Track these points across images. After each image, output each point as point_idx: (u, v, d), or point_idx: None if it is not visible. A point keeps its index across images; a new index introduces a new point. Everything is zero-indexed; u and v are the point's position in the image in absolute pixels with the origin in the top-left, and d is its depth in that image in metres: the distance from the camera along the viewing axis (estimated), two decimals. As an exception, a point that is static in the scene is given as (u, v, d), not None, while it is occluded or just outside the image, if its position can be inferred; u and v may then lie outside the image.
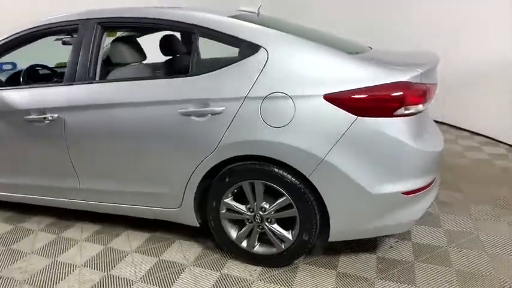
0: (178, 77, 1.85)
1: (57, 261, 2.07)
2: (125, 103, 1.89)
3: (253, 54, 1.72)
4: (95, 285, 1.84)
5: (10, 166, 2.31)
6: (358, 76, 1.61)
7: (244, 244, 1.93)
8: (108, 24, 2.04)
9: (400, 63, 1.73)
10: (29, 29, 2.16)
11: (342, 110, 1.58)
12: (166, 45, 2.57)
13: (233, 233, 1.93)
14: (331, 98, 1.59)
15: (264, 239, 1.91)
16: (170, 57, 2.70)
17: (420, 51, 2.19)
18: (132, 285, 1.83)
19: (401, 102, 1.56)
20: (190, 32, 1.88)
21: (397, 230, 1.83)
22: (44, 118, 2.04)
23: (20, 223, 2.51)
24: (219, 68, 1.77)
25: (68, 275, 1.93)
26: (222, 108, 1.72)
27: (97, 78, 2.01)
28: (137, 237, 2.26)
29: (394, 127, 1.57)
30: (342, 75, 1.63)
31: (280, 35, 1.76)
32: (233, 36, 1.77)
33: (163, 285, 1.83)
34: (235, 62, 1.75)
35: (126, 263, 2.02)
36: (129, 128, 1.90)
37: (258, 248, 1.91)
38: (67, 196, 2.24)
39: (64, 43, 2.68)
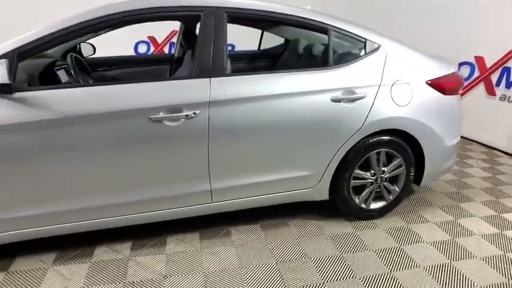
0: (325, 69, 2.09)
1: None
2: (280, 94, 1.96)
3: (376, 51, 2.20)
4: None
5: (124, 179, 1.83)
6: (437, 68, 2.37)
7: (363, 205, 2.38)
8: (238, 15, 1.98)
9: (442, 60, 2.59)
10: (133, 10, 1.78)
11: (436, 91, 2.31)
12: None
13: (355, 198, 2.35)
14: (430, 83, 2.29)
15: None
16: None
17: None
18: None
19: (460, 84, 2.45)
20: (325, 31, 2.13)
21: (448, 171, 2.74)
22: (187, 116, 1.79)
23: (90, 258, 1.95)
24: (352, 61, 2.15)
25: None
26: (364, 94, 2.12)
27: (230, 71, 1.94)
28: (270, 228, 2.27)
29: (457, 101, 2.44)
30: (429, 67, 2.35)
31: (388, 38, 2.30)
32: (363, 37, 2.18)
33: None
34: (365, 56, 2.18)
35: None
36: (283, 118, 1.98)
37: (372, 205, 2.41)
38: (193, 203, 1.99)
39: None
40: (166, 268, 1.90)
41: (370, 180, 2.34)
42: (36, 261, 1.92)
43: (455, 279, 1.89)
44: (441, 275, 1.92)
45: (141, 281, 1.81)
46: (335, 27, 2.14)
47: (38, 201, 1.74)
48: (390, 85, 2.18)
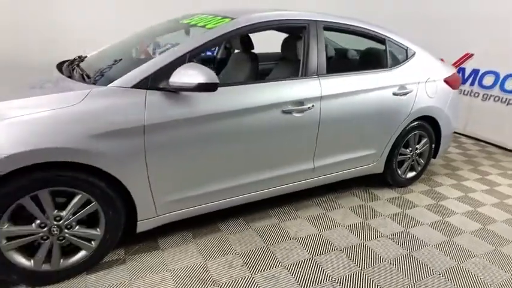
0: (385, 70, 2.71)
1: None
2: (361, 90, 2.51)
3: (413, 56, 2.90)
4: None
5: (252, 163, 2.17)
6: (447, 68, 3.17)
7: (403, 175, 3.08)
8: (330, 27, 2.46)
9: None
10: (260, 22, 2.16)
11: (449, 87, 3.10)
12: None
13: (398, 170, 3.02)
14: (445, 80, 3.07)
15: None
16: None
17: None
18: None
19: (460, 81, 3.29)
20: (382, 41, 2.74)
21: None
22: (309, 108, 2.24)
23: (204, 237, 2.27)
24: (401, 64, 2.81)
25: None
26: (411, 89, 2.79)
27: (331, 71, 2.42)
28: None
29: (458, 94, 3.28)
30: (443, 67, 3.13)
31: (417, 45, 3.00)
32: (405, 45, 2.85)
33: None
34: (408, 60, 2.85)
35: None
36: (363, 108, 2.54)
37: (408, 175, 3.12)
38: (301, 178, 2.43)
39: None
40: (293, 231, 2.33)
41: (409, 156, 3.04)
42: (179, 239, 2.18)
43: (485, 218, 2.69)
44: (475, 217, 2.70)
45: (278, 242, 2.22)
46: (389, 37, 2.78)
47: (224, 177, 2.12)
48: (425, 82, 2.90)
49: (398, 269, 2.06)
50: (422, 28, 5.18)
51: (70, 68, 2.18)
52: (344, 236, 2.35)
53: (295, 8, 2.56)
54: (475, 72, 4.73)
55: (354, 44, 3.45)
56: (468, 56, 4.77)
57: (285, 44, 2.72)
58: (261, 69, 3.11)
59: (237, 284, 1.85)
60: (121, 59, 2.14)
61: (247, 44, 3.01)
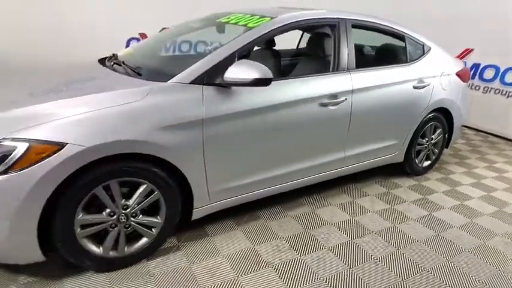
0: (405, 65, 2.88)
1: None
2: (386, 84, 2.67)
3: (429, 51, 3.08)
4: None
5: (293, 153, 2.30)
6: (458, 63, 3.37)
7: (420, 164, 3.26)
8: (356, 25, 2.61)
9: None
10: (298, 21, 2.30)
11: (460, 80, 3.29)
12: None
13: (416, 159, 3.20)
14: (457, 74, 3.26)
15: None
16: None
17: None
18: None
19: (468, 75, 3.49)
20: (401, 37, 2.91)
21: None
22: (342, 101, 2.38)
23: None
24: (418, 59, 2.98)
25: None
26: (428, 83, 2.97)
27: (360, 66, 2.57)
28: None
29: (467, 87, 3.47)
30: (454, 62, 3.32)
31: (432, 41, 3.18)
32: (422, 42, 3.02)
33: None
34: (424, 55, 3.02)
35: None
36: (387, 101, 2.70)
37: (424, 164, 3.31)
38: (333, 168, 2.58)
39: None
40: (327, 217, 2.48)
41: (425, 145, 3.23)
42: (224, 227, 2.30)
43: (500, 202, 2.90)
44: (490, 201, 2.90)
45: (316, 227, 2.36)
46: (408, 34, 2.95)
47: (269, 167, 2.26)
48: (440, 76, 3.08)
49: (430, 248, 2.23)
50: (424, 27, 5.39)
51: (114, 64, 2.26)
52: (375, 220, 2.51)
53: (299, 6, 2.70)
54: (476, 66, 4.96)
55: (366, 40, 3.62)
56: (468, 51, 5.00)
57: (312, 41, 2.86)
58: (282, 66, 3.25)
59: (289, 265, 1.99)
60: (170, 56, 2.24)
61: (270, 42, 3.14)
